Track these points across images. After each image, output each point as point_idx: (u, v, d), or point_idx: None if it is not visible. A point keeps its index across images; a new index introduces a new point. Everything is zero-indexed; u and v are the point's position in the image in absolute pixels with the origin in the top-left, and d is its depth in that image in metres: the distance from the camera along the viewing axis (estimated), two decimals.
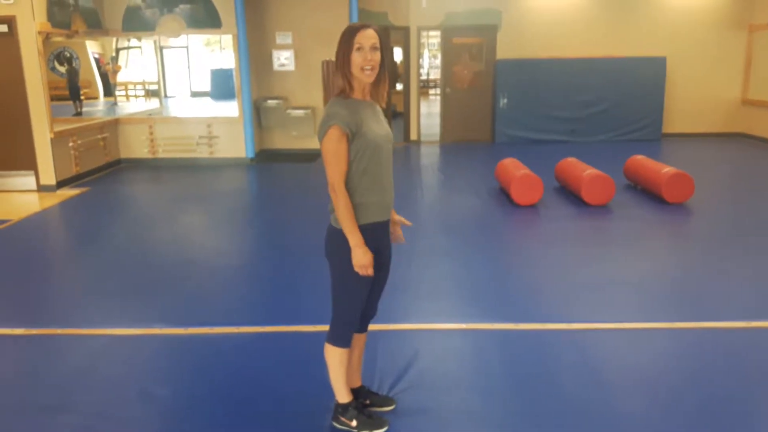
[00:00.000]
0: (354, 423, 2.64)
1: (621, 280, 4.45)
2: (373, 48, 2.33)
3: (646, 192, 6.95)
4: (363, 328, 2.72)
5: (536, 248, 5.35)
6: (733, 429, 2.69)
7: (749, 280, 4.42)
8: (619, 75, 10.65)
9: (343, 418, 2.66)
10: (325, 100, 9.89)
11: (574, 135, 10.84)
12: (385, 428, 2.66)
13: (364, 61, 2.32)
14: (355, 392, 2.77)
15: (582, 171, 6.66)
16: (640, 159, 7.28)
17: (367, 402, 2.80)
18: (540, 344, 3.49)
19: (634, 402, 2.90)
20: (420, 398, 2.93)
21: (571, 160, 7.23)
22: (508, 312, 3.90)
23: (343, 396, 2.66)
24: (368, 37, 2.32)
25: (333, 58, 9.70)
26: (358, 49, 2.31)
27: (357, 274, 2.41)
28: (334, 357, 2.59)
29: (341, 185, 2.35)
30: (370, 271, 2.40)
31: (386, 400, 2.85)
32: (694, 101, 11.05)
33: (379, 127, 2.46)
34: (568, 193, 6.97)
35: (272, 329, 3.70)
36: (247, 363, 3.31)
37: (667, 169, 6.59)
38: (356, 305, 2.53)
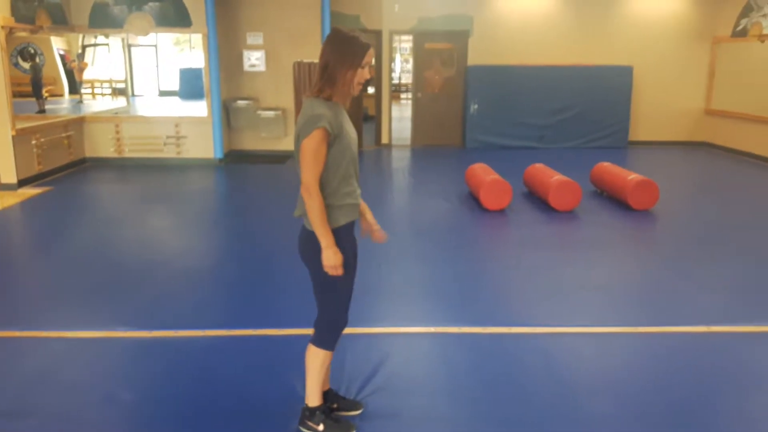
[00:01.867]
0: (321, 427, 2.63)
1: (586, 285, 4.52)
2: (372, 67, 2.44)
3: (612, 198, 7.07)
4: None
5: (504, 253, 5.40)
6: (693, 429, 2.74)
7: (712, 285, 4.53)
8: (588, 83, 10.83)
9: (310, 423, 2.65)
10: (296, 102, 9.84)
11: (542, 141, 10.98)
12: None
13: (363, 78, 2.40)
14: (323, 395, 2.76)
15: (550, 177, 6.75)
16: (606, 166, 7.40)
17: (335, 406, 2.79)
18: (507, 348, 3.51)
19: (599, 404, 2.95)
20: (388, 402, 2.93)
21: (540, 166, 7.32)
22: (476, 316, 3.92)
23: (314, 399, 2.65)
24: (372, 56, 2.41)
25: (305, 60, 9.63)
26: (364, 66, 2.38)
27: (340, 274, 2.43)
28: (317, 359, 2.58)
29: (316, 187, 2.34)
30: (339, 271, 2.41)
31: (354, 404, 2.84)
32: (660, 110, 11.30)
33: (351, 130, 2.48)
34: (536, 199, 7.05)
35: (240, 332, 3.66)
36: (214, 366, 3.26)
37: (633, 176, 6.72)
38: (342, 306, 2.54)
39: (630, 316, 4.01)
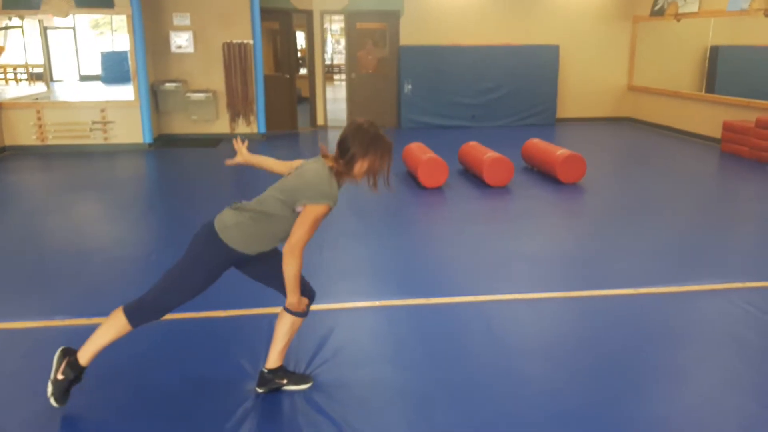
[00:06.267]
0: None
1: (521, 254, 4.70)
2: None
3: (542, 173, 7.33)
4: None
5: (443, 227, 5.53)
6: (622, 384, 2.94)
7: (635, 251, 4.80)
8: (516, 62, 11.09)
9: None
10: (227, 84, 9.65)
11: (474, 120, 11.20)
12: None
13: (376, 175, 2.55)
14: (274, 372, 2.82)
15: (483, 154, 6.92)
16: (536, 142, 7.65)
17: (284, 381, 2.83)
18: (449, 316, 3.64)
19: (536, 364, 3.10)
20: (336, 373, 2.99)
21: (473, 144, 7.49)
22: (418, 288, 4.03)
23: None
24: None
25: (234, 40, 9.43)
26: (384, 168, 2.54)
27: (198, 271, 2.53)
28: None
29: (302, 250, 2.46)
30: (302, 307, 2.63)
31: (303, 378, 2.89)
32: (585, 87, 11.71)
33: None
34: (471, 176, 7.23)
35: (178, 316, 3.61)
36: (155, 349, 3.22)
37: (561, 151, 6.98)
38: (174, 299, 2.57)
39: (562, 281, 4.21)
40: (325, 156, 2.55)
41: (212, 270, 2.53)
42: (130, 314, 2.55)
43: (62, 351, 2.61)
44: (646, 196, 6.47)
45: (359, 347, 3.28)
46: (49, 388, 2.59)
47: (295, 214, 2.47)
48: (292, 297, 2.54)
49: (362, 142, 2.46)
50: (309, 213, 2.42)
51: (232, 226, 2.48)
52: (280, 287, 2.65)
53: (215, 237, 2.47)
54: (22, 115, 8.84)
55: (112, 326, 2.57)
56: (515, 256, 4.69)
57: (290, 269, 2.46)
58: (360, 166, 2.50)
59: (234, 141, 2.90)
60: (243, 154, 2.85)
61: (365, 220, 5.62)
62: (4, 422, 2.59)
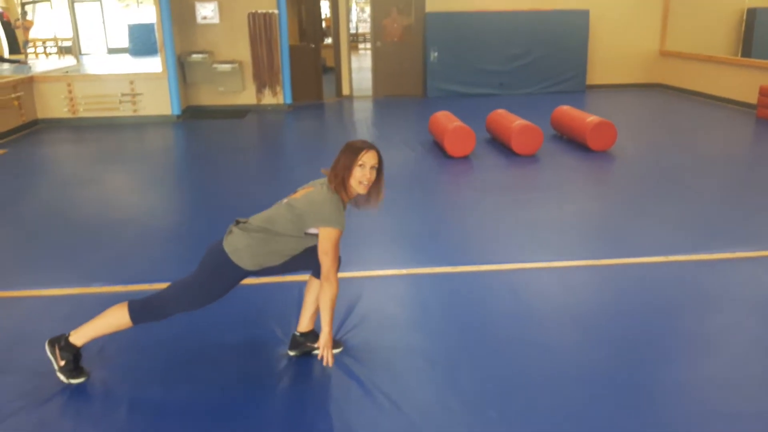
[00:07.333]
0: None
1: (549, 223, 4.68)
2: (372, 168, 2.59)
3: (571, 141, 7.23)
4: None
5: (470, 196, 5.52)
6: (650, 350, 2.93)
7: (665, 219, 4.73)
8: (545, 28, 10.86)
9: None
10: (252, 54, 9.64)
11: (502, 88, 11.05)
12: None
13: (362, 176, 2.57)
14: (306, 335, 2.90)
15: (511, 122, 6.84)
16: (565, 109, 7.53)
17: (316, 345, 2.88)
18: (476, 284, 3.65)
19: (562, 331, 3.11)
20: (364, 339, 3.04)
21: (501, 111, 7.40)
22: (445, 256, 4.04)
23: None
24: (370, 158, 2.58)
25: (259, 10, 9.41)
26: (361, 165, 2.56)
27: (210, 288, 2.62)
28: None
29: (336, 275, 2.59)
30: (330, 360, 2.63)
31: (334, 343, 2.93)
32: (616, 53, 11.43)
33: None
34: (499, 144, 7.16)
35: None
36: (188, 315, 3.29)
37: (592, 119, 6.86)
38: (181, 307, 2.68)
39: (591, 249, 4.18)
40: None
41: (225, 287, 2.64)
42: (134, 312, 2.64)
43: (49, 343, 2.71)
44: (678, 163, 6.35)
45: (386, 314, 3.32)
46: (61, 377, 2.69)
47: (306, 235, 2.60)
48: (328, 327, 2.58)
49: (340, 155, 2.61)
50: (326, 239, 2.55)
51: (243, 248, 2.56)
52: (299, 267, 2.79)
53: (227, 259, 2.56)
54: (54, 89, 8.97)
55: (114, 320, 2.66)
56: (543, 224, 4.67)
57: (329, 296, 2.56)
58: (344, 174, 2.58)
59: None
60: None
61: (392, 188, 5.58)
62: (44, 384, 2.70)
